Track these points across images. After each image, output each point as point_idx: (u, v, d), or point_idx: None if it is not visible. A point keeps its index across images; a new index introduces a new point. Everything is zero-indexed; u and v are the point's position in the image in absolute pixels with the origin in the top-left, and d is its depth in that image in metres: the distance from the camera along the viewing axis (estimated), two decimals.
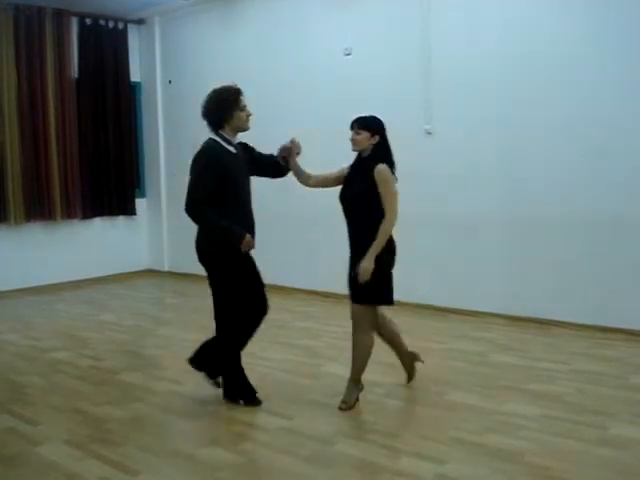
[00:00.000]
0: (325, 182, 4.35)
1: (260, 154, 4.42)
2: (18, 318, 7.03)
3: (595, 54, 5.65)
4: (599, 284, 5.76)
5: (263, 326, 4.26)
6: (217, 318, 4.25)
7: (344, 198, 4.13)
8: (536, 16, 5.96)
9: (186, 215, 4.10)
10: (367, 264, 3.93)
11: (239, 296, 4.13)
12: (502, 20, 6.16)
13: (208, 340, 4.32)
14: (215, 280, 4.16)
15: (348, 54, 7.27)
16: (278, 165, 4.37)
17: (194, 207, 4.05)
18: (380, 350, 5.40)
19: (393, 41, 6.90)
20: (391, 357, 5.18)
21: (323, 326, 6.21)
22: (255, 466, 3.48)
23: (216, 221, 4.00)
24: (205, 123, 4.24)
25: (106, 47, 9.17)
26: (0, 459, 3.55)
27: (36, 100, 8.42)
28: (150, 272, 9.78)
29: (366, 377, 4.69)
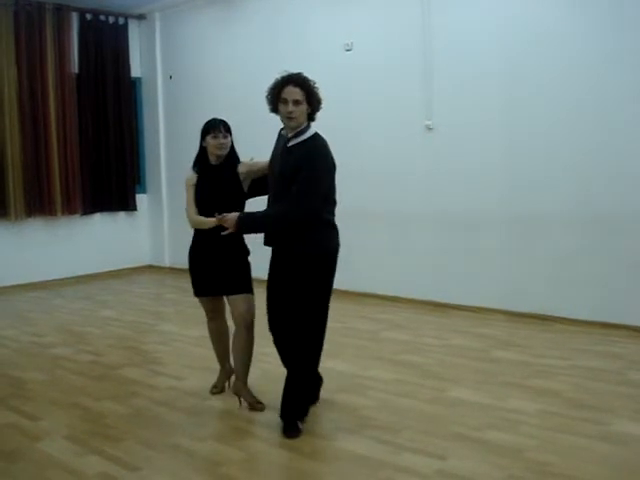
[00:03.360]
0: None
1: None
2: (18, 314, 7.03)
3: (597, 51, 5.63)
4: (600, 280, 5.76)
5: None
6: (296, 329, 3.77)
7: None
8: (538, 12, 5.94)
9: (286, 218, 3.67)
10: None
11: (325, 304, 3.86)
12: (503, 15, 6.15)
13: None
14: (291, 289, 3.72)
15: (349, 50, 7.26)
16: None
17: (313, 213, 3.64)
18: (383, 346, 5.42)
19: (394, 37, 6.89)
20: (393, 353, 5.19)
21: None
22: (256, 462, 3.48)
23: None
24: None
25: (106, 42, 9.16)
26: (0, 454, 3.55)
27: (36, 95, 8.41)
28: (151, 268, 9.78)
29: (365, 372, 4.70)
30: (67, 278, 8.85)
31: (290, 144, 3.69)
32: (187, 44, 9.14)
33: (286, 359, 3.83)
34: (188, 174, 4.18)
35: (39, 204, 8.55)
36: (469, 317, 6.30)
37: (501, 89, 6.20)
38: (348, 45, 7.26)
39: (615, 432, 3.63)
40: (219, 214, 3.76)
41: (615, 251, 5.67)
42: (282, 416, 3.73)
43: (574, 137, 5.81)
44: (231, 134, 4.10)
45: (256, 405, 4.07)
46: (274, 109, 3.74)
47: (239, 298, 4.05)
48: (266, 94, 3.74)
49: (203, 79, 8.90)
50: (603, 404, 4.03)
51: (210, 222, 3.88)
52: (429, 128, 6.68)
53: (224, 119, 4.11)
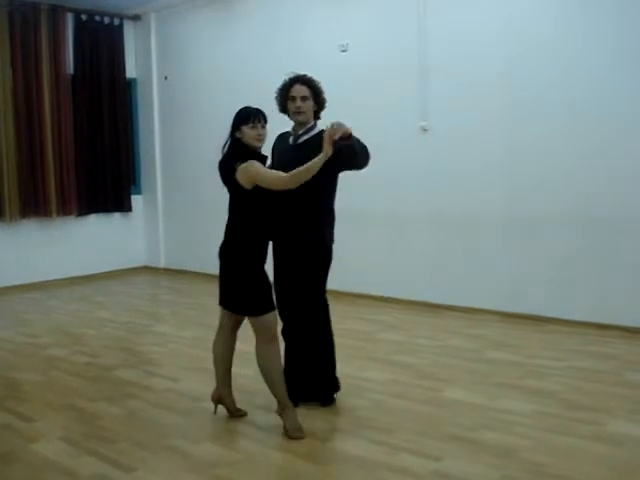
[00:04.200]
0: None
1: None
2: (13, 315, 7.02)
3: (596, 52, 5.64)
4: (595, 281, 5.77)
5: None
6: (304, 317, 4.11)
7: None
8: (535, 13, 5.96)
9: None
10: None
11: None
12: (499, 17, 6.16)
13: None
14: (310, 275, 4.04)
15: (344, 50, 7.26)
16: None
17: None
18: (378, 347, 5.43)
19: (389, 37, 6.90)
20: (388, 353, 5.20)
21: None
22: (252, 463, 3.47)
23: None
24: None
25: (102, 43, 9.14)
26: None
27: (31, 96, 8.39)
28: (146, 269, 9.77)
29: (361, 374, 4.70)
30: (62, 279, 8.83)
31: (301, 140, 3.94)
32: (182, 45, 9.14)
33: (301, 346, 4.11)
34: (245, 164, 3.57)
35: (34, 205, 8.53)
36: (463, 318, 6.31)
37: (497, 90, 6.21)
38: (343, 46, 7.26)
39: (610, 432, 3.64)
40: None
41: (609, 252, 5.68)
42: (324, 396, 4.12)
43: (570, 139, 5.82)
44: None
45: (296, 432, 3.73)
46: (283, 109, 4.02)
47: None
48: (275, 95, 4.02)
49: (198, 80, 8.89)
50: (598, 404, 4.04)
51: (321, 159, 3.46)
52: (424, 129, 6.69)
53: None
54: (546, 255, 6.01)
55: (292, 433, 3.68)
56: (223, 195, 3.87)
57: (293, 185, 3.55)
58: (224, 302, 3.94)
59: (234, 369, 4.47)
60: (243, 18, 8.30)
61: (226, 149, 3.75)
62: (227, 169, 3.69)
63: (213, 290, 7.66)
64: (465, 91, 6.40)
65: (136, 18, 9.54)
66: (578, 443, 3.50)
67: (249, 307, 3.76)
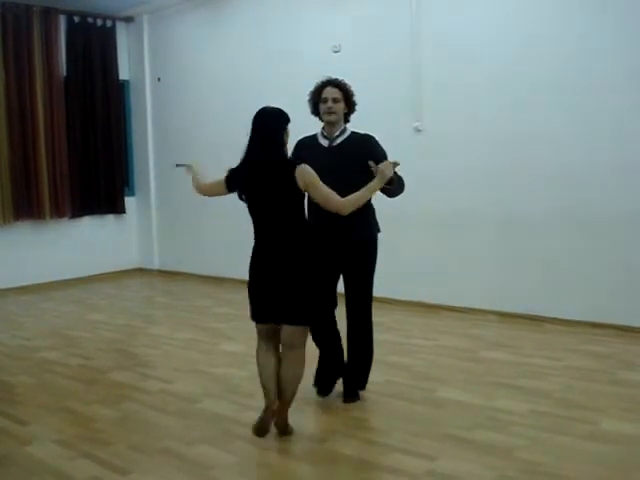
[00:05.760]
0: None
1: None
2: (7, 317, 7.00)
3: (588, 53, 5.65)
4: (589, 280, 5.78)
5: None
6: (363, 310, 4.21)
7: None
8: (528, 14, 5.97)
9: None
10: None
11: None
12: (492, 18, 6.18)
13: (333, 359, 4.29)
14: (371, 267, 4.20)
15: (337, 51, 7.26)
16: None
17: None
18: (374, 348, 5.42)
19: (382, 38, 6.90)
20: (383, 354, 5.19)
21: None
22: (246, 464, 3.47)
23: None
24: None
25: (94, 45, 9.13)
26: None
27: (24, 98, 8.38)
28: (140, 271, 9.75)
29: None
30: (56, 281, 8.81)
31: (336, 142, 4.04)
32: (175, 46, 9.12)
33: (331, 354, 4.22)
34: (303, 166, 3.50)
35: (27, 207, 8.51)
36: (458, 318, 6.32)
37: (490, 91, 6.22)
38: (336, 47, 7.25)
39: (605, 431, 3.64)
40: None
41: (603, 252, 5.70)
42: (353, 390, 4.20)
43: (562, 139, 5.83)
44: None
45: (284, 429, 3.70)
46: (314, 110, 4.11)
47: (294, 329, 3.63)
48: (308, 98, 4.12)
49: (191, 81, 8.89)
50: (593, 403, 4.05)
51: (369, 190, 3.69)
52: (418, 130, 6.70)
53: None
54: (541, 254, 6.02)
55: (285, 429, 3.69)
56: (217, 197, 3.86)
57: (346, 211, 3.57)
58: (280, 315, 3.61)
59: (229, 370, 4.49)
60: (236, 19, 8.30)
61: (264, 150, 3.56)
62: (280, 169, 3.52)
63: (207, 291, 7.67)
64: (458, 92, 6.40)
65: (129, 20, 9.53)
66: (573, 442, 3.51)
67: (310, 315, 3.64)
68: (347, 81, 4.15)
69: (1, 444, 3.73)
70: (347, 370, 4.25)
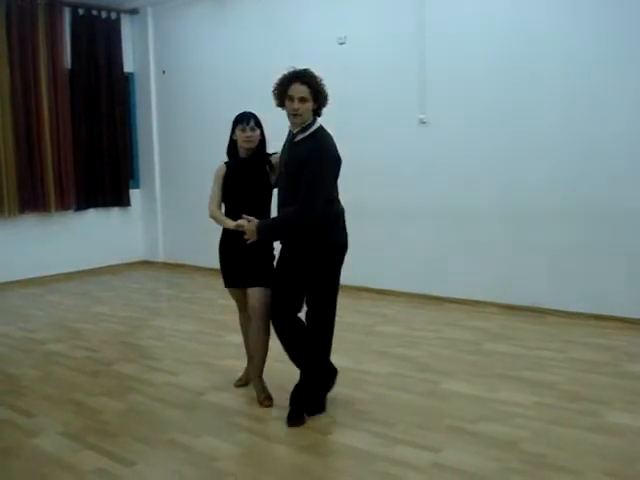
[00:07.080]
0: None
1: None
2: (12, 310, 7.02)
3: (595, 44, 5.63)
4: (594, 272, 5.77)
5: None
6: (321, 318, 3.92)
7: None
8: (532, 6, 5.95)
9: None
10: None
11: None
12: (498, 9, 6.15)
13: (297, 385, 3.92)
14: (331, 277, 3.96)
15: (342, 43, 7.24)
16: None
17: (318, 210, 3.73)
18: (377, 340, 5.43)
19: (387, 30, 6.88)
20: (387, 346, 5.20)
21: None
22: (252, 456, 3.48)
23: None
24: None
25: (99, 37, 9.11)
26: None
27: (29, 91, 8.37)
28: (145, 263, 9.77)
29: (360, 366, 4.71)
30: (61, 274, 8.83)
31: (296, 139, 3.79)
32: (180, 39, 9.11)
33: (295, 356, 3.88)
34: (219, 165, 4.14)
35: (32, 200, 8.52)
36: (463, 310, 6.32)
37: (495, 83, 6.20)
38: (342, 39, 7.24)
39: (609, 423, 3.65)
40: (245, 216, 3.85)
41: (608, 244, 5.69)
42: (291, 404, 3.82)
43: (569, 131, 5.81)
44: (261, 128, 4.06)
45: (263, 401, 4.05)
46: (280, 104, 3.80)
47: (254, 290, 3.99)
48: (272, 89, 3.80)
49: (196, 73, 8.88)
50: (597, 395, 4.05)
51: (228, 224, 3.98)
52: (423, 122, 6.68)
53: (254, 112, 4.08)
54: (545, 247, 6.01)
55: (266, 401, 4.04)
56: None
57: (210, 217, 4.15)
58: (253, 280, 4.02)
59: (234, 362, 4.49)
60: (241, 11, 8.28)
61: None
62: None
63: (212, 283, 7.67)
64: (463, 84, 6.39)
65: (133, 12, 9.51)
66: (578, 434, 3.51)
67: (269, 279, 3.99)
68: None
69: (7, 436, 3.75)
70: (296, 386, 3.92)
